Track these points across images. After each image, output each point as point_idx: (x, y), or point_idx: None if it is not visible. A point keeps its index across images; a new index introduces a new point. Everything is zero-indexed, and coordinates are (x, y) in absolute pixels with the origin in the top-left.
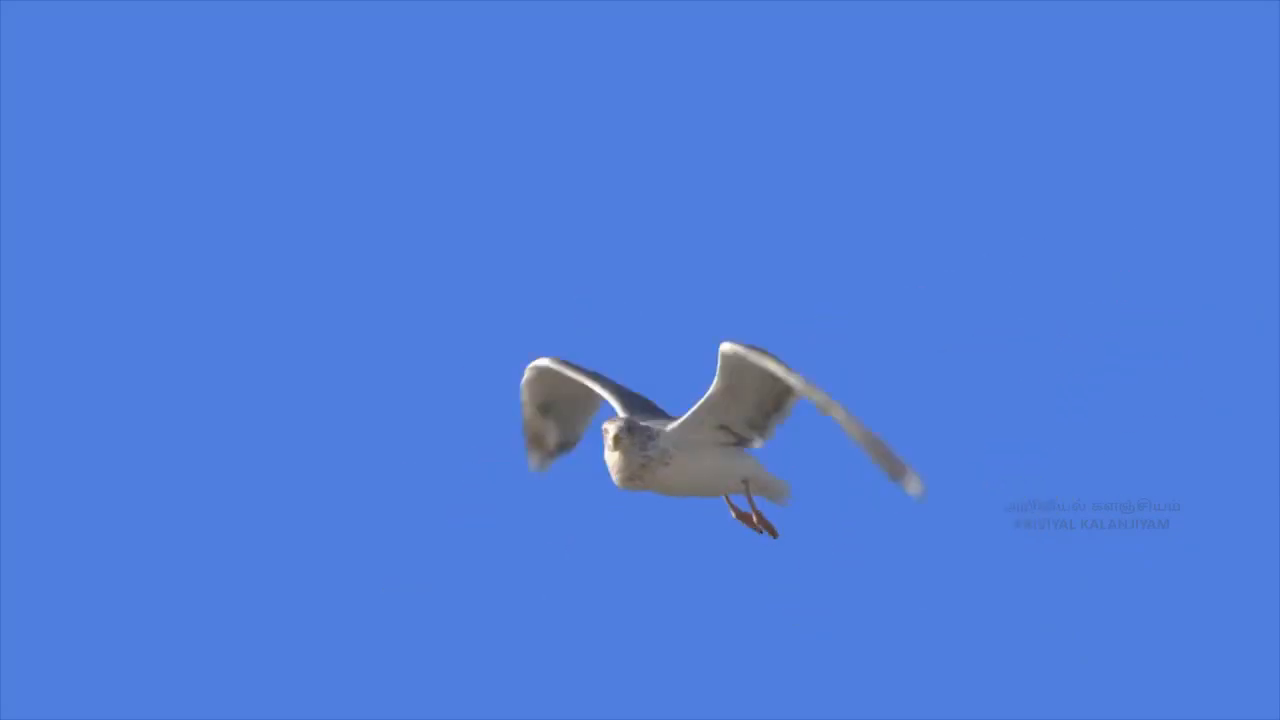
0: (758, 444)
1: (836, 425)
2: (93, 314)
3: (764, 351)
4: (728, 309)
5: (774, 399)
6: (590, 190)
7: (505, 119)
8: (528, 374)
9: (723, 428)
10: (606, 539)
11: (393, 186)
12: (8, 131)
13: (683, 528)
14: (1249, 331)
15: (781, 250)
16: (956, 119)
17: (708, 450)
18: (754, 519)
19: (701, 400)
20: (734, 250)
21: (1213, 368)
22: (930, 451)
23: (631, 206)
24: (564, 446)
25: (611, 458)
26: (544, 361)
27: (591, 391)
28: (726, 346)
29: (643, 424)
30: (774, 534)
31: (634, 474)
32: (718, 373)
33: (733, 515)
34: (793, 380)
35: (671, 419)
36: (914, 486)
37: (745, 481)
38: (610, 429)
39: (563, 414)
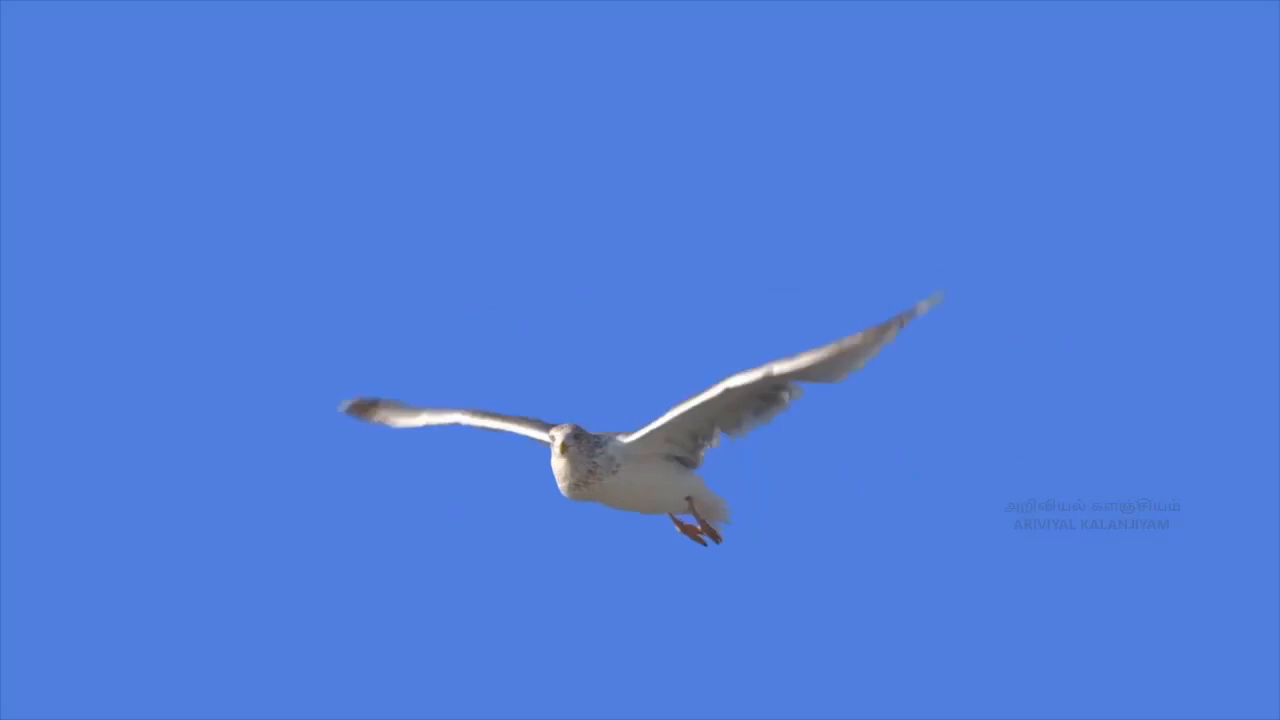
0: (700, 463)
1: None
2: (67, 312)
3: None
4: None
5: (738, 418)
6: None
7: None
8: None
9: (670, 441)
10: (549, 553)
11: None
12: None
13: (626, 542)
14: (1249, 331)
15: (781, 252)
16: (956, 119)
17: (654, 464)
18: (698, 532)
19: (663, 421)
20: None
21: (1213, 368)
22: (931, 451)
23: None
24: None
25: (558, 464)
26: (467, 420)
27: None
28: (732, 382)
29: (590, 433)
30: (718, 539)
31: (581, 480)
32: (703, 399)
33: (677, 530)
34: (851, 342)
35: (619, 434)
36: (922, 305)
37: (689, 499)
38: (558, 435)
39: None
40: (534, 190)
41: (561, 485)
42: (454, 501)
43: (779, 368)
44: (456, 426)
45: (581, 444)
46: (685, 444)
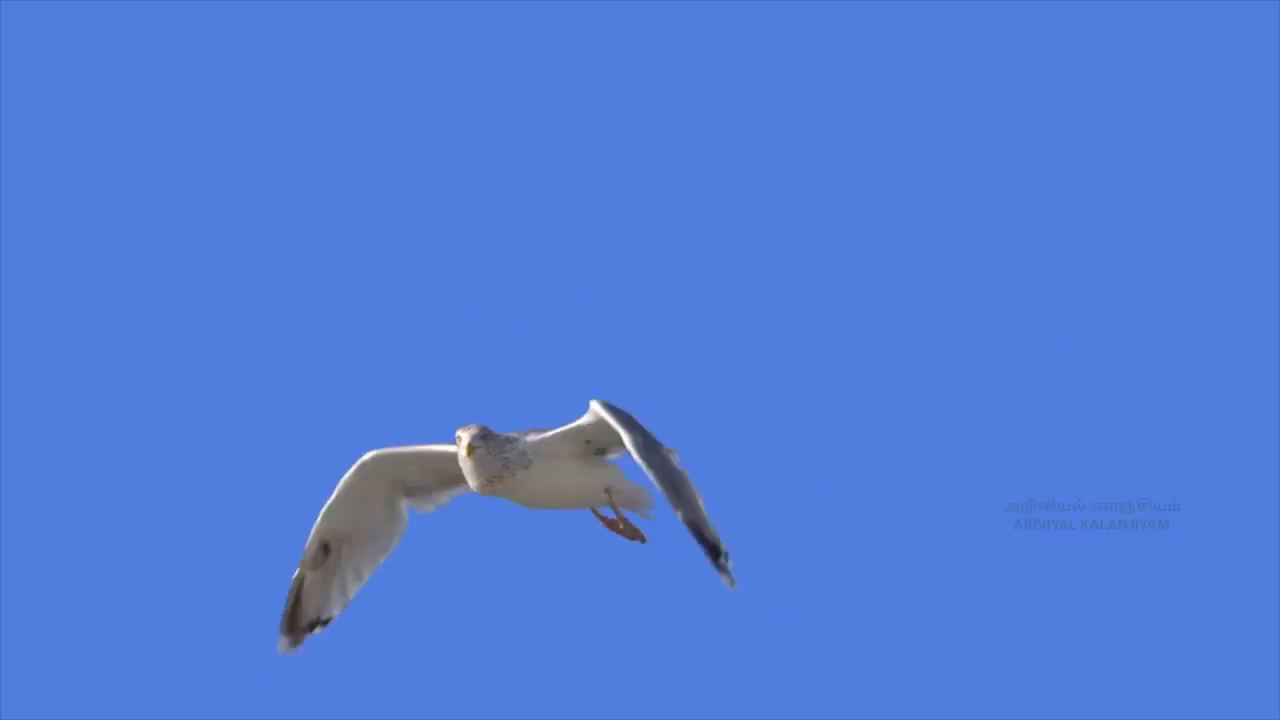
0: (617, 454)
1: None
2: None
3: (627, 421)
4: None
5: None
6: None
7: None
8: (352, 477)
9: (587, 442)
10: (472, 554)
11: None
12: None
13: (553, 541)
14: (1249, 331)
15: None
16: (956, 119)
17: (569, 459)
18: (620, 526)
19: (568, 427)
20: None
21: (1213, 368)
22: (929, 450)
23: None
24: (320, 622)
25: (467, 464)
26: (377, 454)
27: (392, 525)
28: (595, 406)
29: (498, 433)
30: (642, 539)
31: (495, 475)
32: (587, 418)
33: (602, 524)
34: (639, 459)
35: (528, 432)
36: (728, 582)
37: (608, 490)
38: (464, 436)
39: (348, 555)
40: (516, 193)
41: (475, 482)
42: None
43: (630, 441)
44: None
45: (490, 444)
46: (599, 441)
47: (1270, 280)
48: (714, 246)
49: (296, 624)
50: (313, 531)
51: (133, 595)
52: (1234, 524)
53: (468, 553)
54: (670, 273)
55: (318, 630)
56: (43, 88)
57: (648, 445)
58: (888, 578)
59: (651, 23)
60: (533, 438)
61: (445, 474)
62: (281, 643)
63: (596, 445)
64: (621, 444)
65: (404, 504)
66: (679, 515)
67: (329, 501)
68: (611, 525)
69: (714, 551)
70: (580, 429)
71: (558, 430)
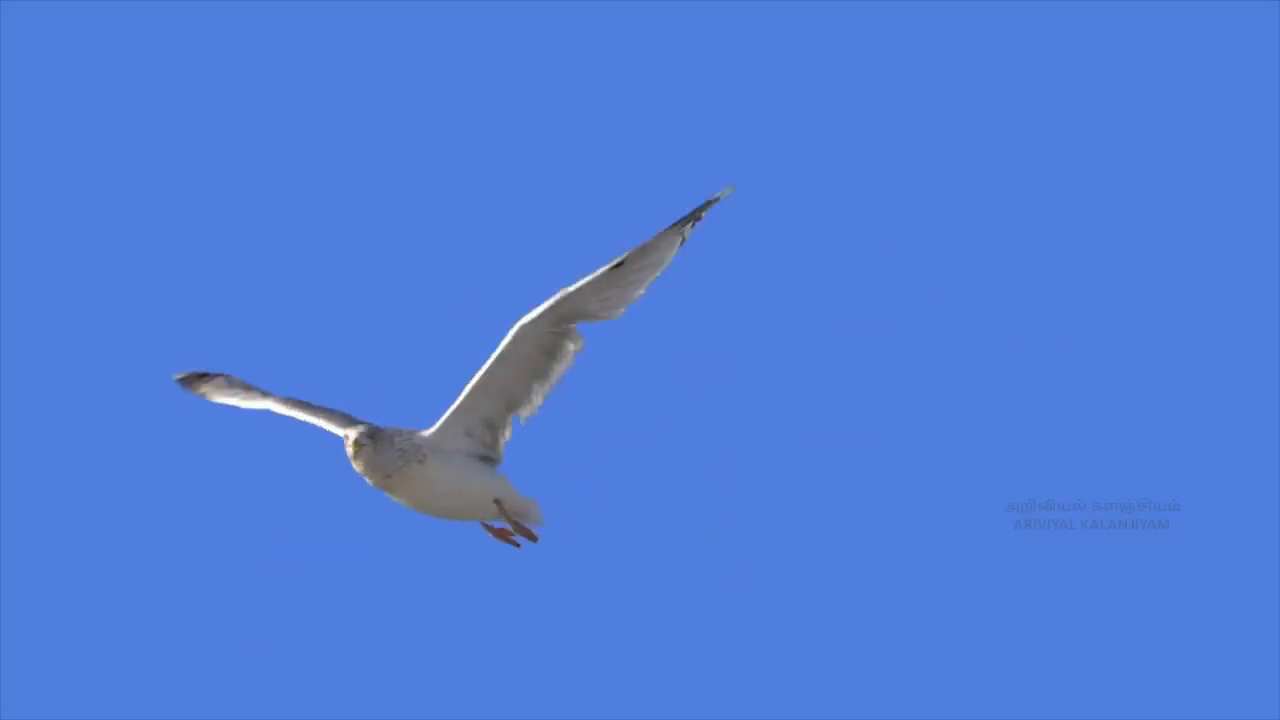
0: (502, 460)
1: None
2: None
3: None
4: None
5: (545, 365)
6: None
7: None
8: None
9: (469, 435)
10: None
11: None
12: None
13: (438, 548)
14: (1249, 331)
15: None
16: (956, 119)
17: (459, 460)
18: (510, 534)
19: (462, 396)
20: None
21: (1213, 368)
22: (929, 450)
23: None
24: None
25: (357, 465)
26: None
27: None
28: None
29: (386, 429)
30: (533, 538)
31: (390, 472)
32: (499, 352)
33: (491, 535)
34: (602, 272)
35: (419, 431)
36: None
37: (498, 501)
38: (350, 434)
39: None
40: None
41: (372, 479)
42: (262, 497)
43: (566, 290)
44: (267, 412)
45: (378, 442)
46: (484, 436)
47: (1270, 280)
48: (715, 245)
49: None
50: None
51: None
52: (1234, 524)
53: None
54: (669, 272)
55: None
56: (17, 85)
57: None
58: (887, 578)
59: (640, 21)
60: (425, 432)
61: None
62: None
63: (481, 444)
64: (500, 444)
65: None
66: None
67: (227, 400)
68: (500, 535)
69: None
70: (469, 397)
71: (452, 408)
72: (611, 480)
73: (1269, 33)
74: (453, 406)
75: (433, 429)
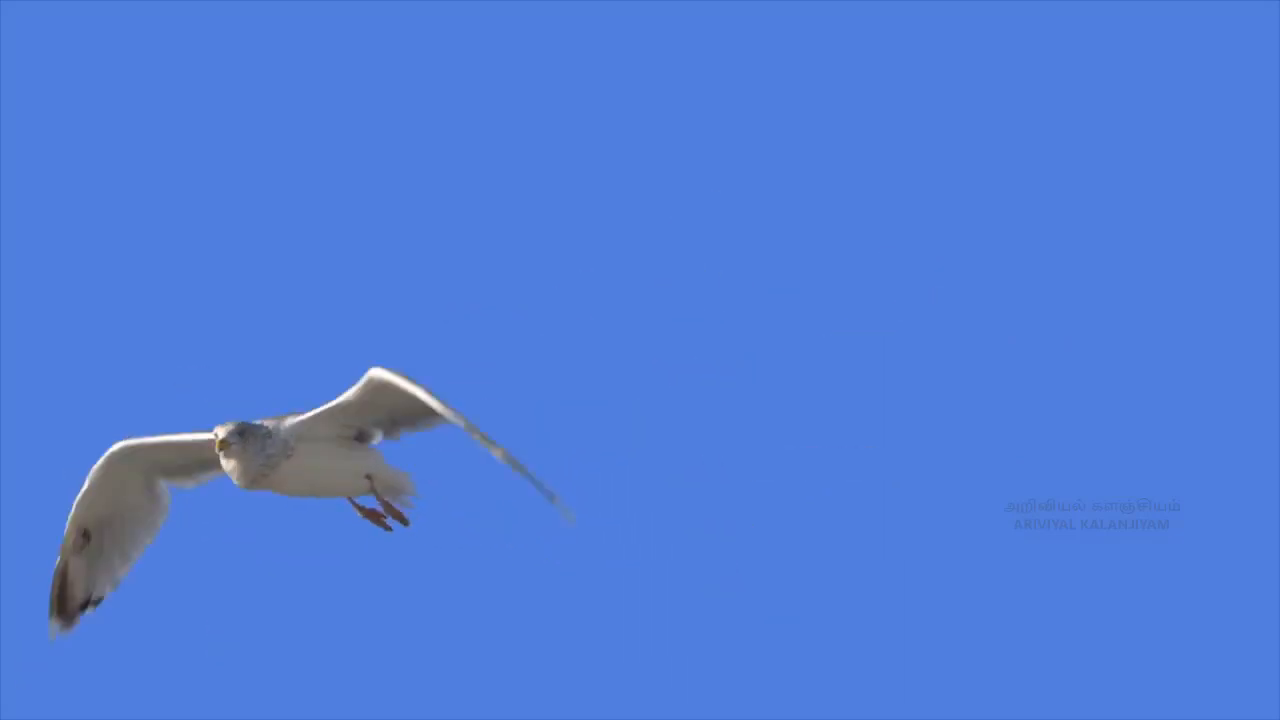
0: (379, 440)
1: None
2: None
3: (415, 381)
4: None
5: (413, 418)
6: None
7: None
8: (101, 467)
9: (347, 425)
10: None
11: None
12: None
13: (305, 529)
14: (1249, 331)
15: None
16: (956, 117)
17: (330, 444)
18: (382, 516)
19: (330, 405)
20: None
21: (1213, 368)
22: (929, 450)
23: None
24: (91, 601)
25: (228, 464)
26: (126, 444)
27: (154, 507)
28: (377, 373)
29: (255, 423)
30: (404, 522)
31: (259, 475)
32: (358, 389)
33: (359, 515)
34: (448, 414)
35: (285, 416)
36: (566, 515)
37: (369, 477)
38: (220, 432)
39: (111, 539)
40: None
41: (239, 481)
42: None
43: (464, 424)
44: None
45: (247, 440)
46: (360, 424)
47: (1270, 280)
48: (710, 245)
49: (66, 607)
50: (69, 519)
51: None
52: (1234, 524)
53: (224, 544)
54: (669, 272)
55: (90, 610)
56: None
57: (438, 395)
58: (887, 577)
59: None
60: (291, 421)
61: (203, 458)
62: (53, 627)
63: (358, 427)
64: (381, 429)
65: (164, 485)
66: (496, 454)
67: (81, 490)
68: (371, 515)
69: (539, 486)
70: (344, 405)
71: (319, 410)
72: (598, 479)
73: (1269, 32)
74: (327, 406)
75: (302, 418)
